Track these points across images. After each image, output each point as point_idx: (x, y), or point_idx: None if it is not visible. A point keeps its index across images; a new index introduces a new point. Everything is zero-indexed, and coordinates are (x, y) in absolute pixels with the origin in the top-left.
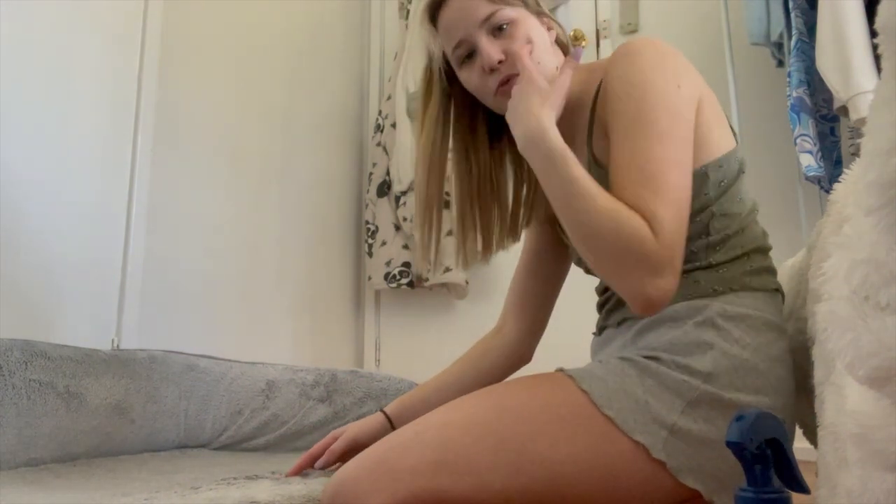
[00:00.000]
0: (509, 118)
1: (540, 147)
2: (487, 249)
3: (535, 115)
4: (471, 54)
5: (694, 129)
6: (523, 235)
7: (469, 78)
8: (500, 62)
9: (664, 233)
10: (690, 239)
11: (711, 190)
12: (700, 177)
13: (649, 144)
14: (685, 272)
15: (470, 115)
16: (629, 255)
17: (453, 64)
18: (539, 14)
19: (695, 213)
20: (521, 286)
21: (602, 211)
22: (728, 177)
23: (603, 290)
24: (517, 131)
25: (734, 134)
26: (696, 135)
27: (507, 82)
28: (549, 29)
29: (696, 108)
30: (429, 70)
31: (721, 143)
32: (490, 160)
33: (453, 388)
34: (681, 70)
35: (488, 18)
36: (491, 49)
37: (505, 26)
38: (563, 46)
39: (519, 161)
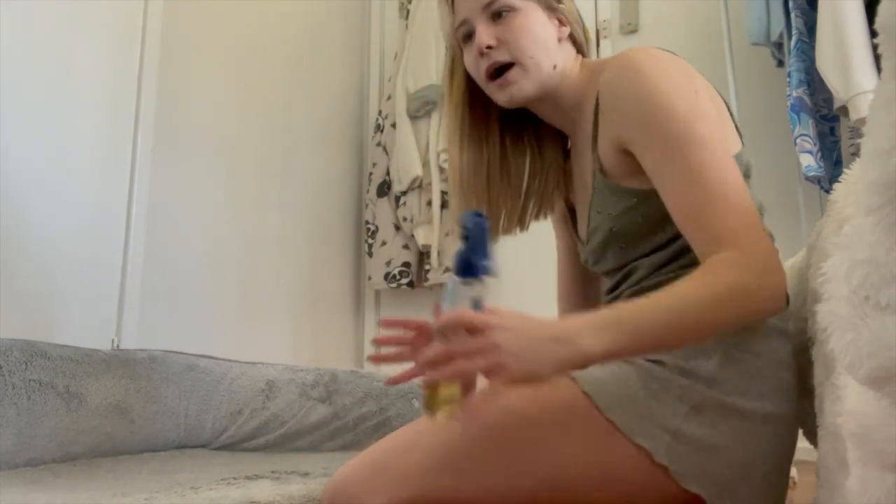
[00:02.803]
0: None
1: (601, 347)
2: (494, 233)
3: (561, 357)
4: (471, 35)
5: None
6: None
7: (466, 58)
8: (489, 47)
9: (741, 242)
10: None
11: None
12: None
13: (697, 156)
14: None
15: (483, 97)
16: (735, 294)
17: (459, 41)
18: (550, 9)
19: None
20: (562, 279)
21: (697, 311)
22: None
23: (609, 291)
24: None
25: (740, 135)
26: None
27: (496, 71)
28: (561, 24)
29: None
30: (450, 46)
31: (730, 145)
32: (501, 145)
33: None
34: (688, 74)
35: (490, 4)
36: (484, 33)
37: (504, 13)
38: (578, 43)
39: (535, 152)
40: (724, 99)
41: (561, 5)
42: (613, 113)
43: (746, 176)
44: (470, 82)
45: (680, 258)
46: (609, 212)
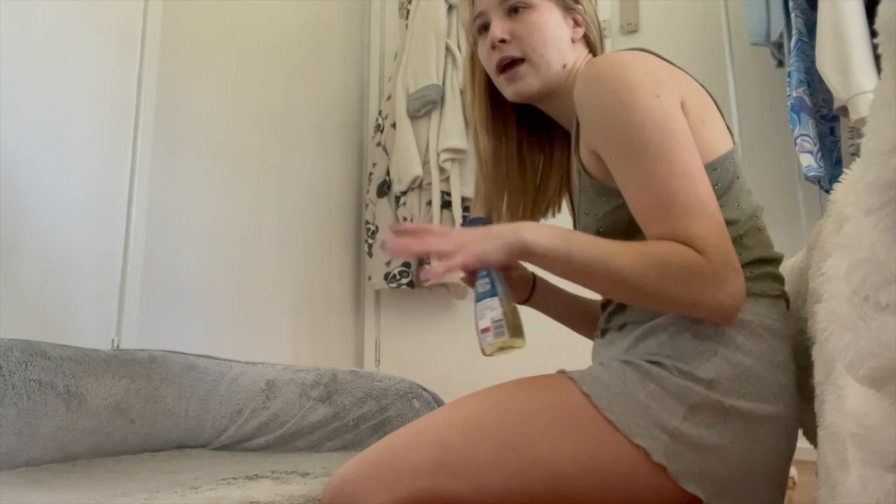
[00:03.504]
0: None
1: (538, 249)
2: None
3: (505, 240)
4: (486, 27)
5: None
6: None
7: (480, 50)
8: (502, 41)
9: (706, 245)
10: None
11: None
12: None
13: (653, 166)
14: None
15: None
16: (688, 283)
17: (474, 33)
18: (567, 9)
19: None
20: None
21: (639, 264)
22: (723, 180)
23: None
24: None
25: (731, 135)
26: None
27: (507, 66)
28: (576, 25)
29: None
30: (470, 38)
31: (714, 144)
32: (517, 140)
33: (574, 307)
34: (655, 78)
35: None
36: (498, 27)
37: (520, 9)
38: (592, 45)
39: (547, 149)
40: (711, 96)
41: (578, 6)
42: (583, 120)
43: (736, 176)
44: (489, 78)
45: None
46: (595, 213)
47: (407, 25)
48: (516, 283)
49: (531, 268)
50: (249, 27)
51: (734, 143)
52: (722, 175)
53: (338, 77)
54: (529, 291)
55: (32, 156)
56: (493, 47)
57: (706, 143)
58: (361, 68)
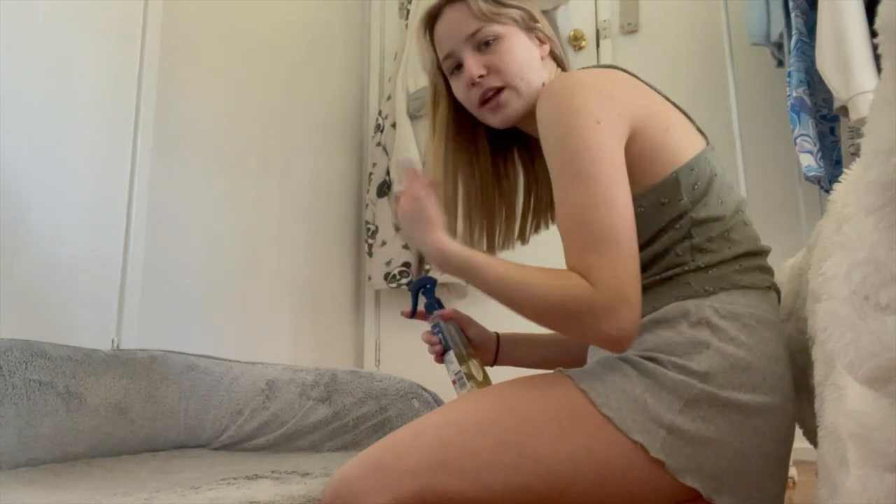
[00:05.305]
0: (414, 244)
1: (452, 265)
2: (490, 249)
3: (431, 244)
4: (459, 66)
5: (644, 146)
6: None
7: (457, 89)
8: (480, 76)
9: (601, 279)
10: (674, 244)
11: (685, 195)
12: (671, 183)
13: (576, 190)
14: (675, 276)
15: (471, 121)
16: (575, 313)
17: (446, 73)
18: (530, 29)
19: (673, 219)
20: None
21: (535, 290)
22: (701, 179)
23: None
24: (427, 257)
25: (704, 135)
26: (651, 148)
27: (490, 98)
28: (541, 43)
29: (628, 132)
30: (432, 77)
31: (684, 148)
32: (492, 164)
33: (554, 348)
34: (603, 99)
35: (474, 34)
36: (473, 64)
37: (491, 41)
38: (558, 59)
39: (529, 167)
40: (677, 106)
41: (537, 24)
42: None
43: (714, 174)
44: (455, 112)
45: (659, 261)
46: None
47: (407, 25)
48: (477, 344)
49: (494, 322)
50: (249, 27)
51: (707, 142)
52: (700, 174)
53: (338, 77)
54: (495, 351)
55: (32, 156)
56: (473, 84)
57: (672, 149)
58: (361, 68)
